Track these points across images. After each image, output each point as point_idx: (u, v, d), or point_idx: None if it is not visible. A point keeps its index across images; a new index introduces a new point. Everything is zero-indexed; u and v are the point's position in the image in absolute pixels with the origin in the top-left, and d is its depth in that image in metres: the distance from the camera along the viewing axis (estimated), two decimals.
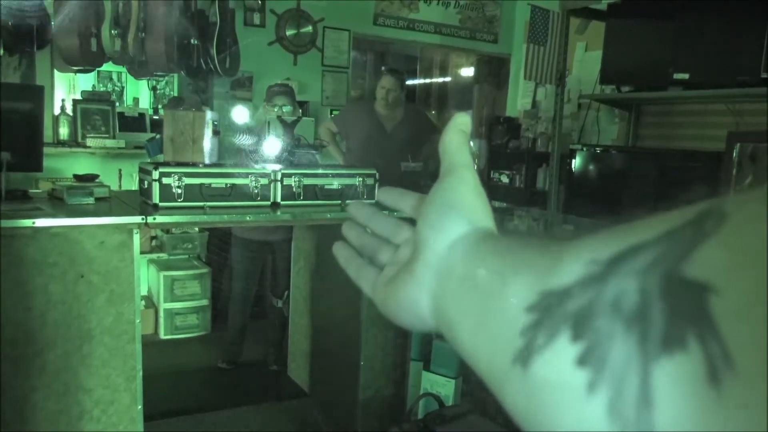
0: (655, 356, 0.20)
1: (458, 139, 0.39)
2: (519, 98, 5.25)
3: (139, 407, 2.19)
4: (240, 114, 2.96)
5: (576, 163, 3.90)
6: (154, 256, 4.04)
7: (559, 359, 0.23)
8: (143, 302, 3.64)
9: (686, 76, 3.30)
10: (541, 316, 0.25)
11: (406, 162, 3.54)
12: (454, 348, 0.32)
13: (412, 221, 0.42)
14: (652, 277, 0.21)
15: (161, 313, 3.84)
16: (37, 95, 2.49)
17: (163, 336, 3.83)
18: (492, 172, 5.00)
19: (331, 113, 4.68)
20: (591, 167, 3.91)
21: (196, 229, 4.11)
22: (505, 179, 4.87)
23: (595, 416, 0.22)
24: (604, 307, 0.23)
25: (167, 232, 3.98)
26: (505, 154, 4.95)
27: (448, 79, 5.79)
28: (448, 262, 0.34)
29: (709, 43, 3.22)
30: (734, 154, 2.04)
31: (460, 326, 0.31)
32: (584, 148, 3.95)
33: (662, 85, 3.46)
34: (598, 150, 3.93)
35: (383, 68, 4.05)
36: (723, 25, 3.16)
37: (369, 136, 3.55)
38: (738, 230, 0.20)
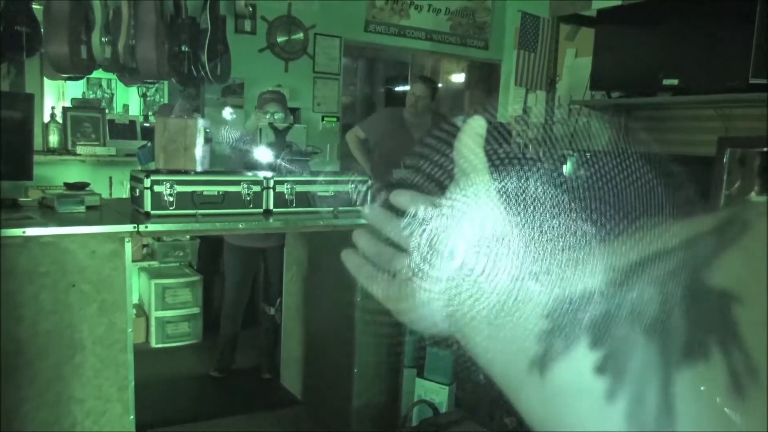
0: (676, 365, 0.20)
1: (473, 142, 0.38)
2: (510, 104, 5.28)
3: (132, 417, 2.17)
4: (229, 113, 2.94)
5: (566, 168, 3.91)
6: (145, 264, 4.02)
7: (577, 366, 0.23)
8: (134, 311, 3.61)
9: (675, 81, 3.32)
10: (559, 322, 0.25)
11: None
12: (469, 352, 0.32)
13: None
14: (673, 286, 0.21)
15: (152, 322, 3.82)
16: (27, 103, 2.48)
17: (154, 345, 3.81)
18: None
19: (322, 120, 4.68)
20: (581, 173, 3.92)
21: (188, 236, 4.09)
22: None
23: (614, 424, 0.22)
24: (624, 315, 0.22)
25: (158, 239, 3.95)
26: (496, 159, 4.96)
27: (439, 85, 5.80)
28: (463, 267, 0.33)
29: (697, 49, 3.25)
30: (725, 159, 2.06)
31: (474, 331, 0.31)
32: (575, 154, 3.96)
33: (652, 91, 3.49)
34: (589, 155, 3.95)
35: (416, 76, 4.03)
36: (711, 31, 3.19)
37: (396, 144, 3.53)
38: (760, 239, 0.20)
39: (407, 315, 0.38)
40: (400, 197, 0.45)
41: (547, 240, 0.31)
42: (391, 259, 0.44)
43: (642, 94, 3.61)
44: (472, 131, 0.38)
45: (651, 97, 3.53)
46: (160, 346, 3.80)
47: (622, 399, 0.21)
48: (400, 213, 0.45)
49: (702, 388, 0.19)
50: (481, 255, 0.33)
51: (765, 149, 2.16)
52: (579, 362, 0.23)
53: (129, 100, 5.37)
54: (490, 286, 0.31)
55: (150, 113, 4.97)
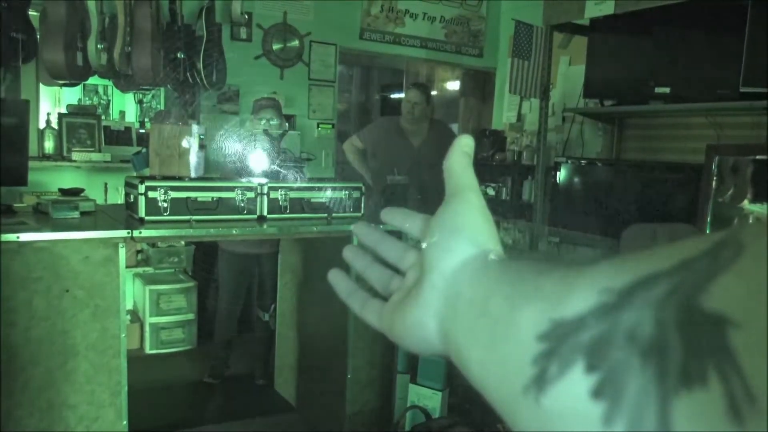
0: (674, 390, 0.20)
1: (462, 161, 0.38)
2: (504, 111, 5.30)
3: (125, 423, 2.17)
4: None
5: (561, 175, 3.94)
6: (140, 270, 4.01)
7: (574, 390, 0.23)
8: (128, 316, 3.61)
9: (667, 90, 3.35)
10: (554, 345, 0.25)
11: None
12: (463, 372, 0.31)
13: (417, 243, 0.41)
14: (669, 309, 0.21)
15: (147, 328, 3.81)
16: (23, 110, 2.49)
17: (148, 351, 3.80)
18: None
19: (318, 127, 4.70)
20: (575, 180, 3.95)
21: (182, 242, 4.09)
22: (491, 192, 4.90)
23: None
24: (620, 338, 0.22)
25: (153, 245, 3.95)
26: (491, 166, 4.98)
27: (434, 92, 5.83)
28: (456, 285, 0.33)
29: (689, 58, 3.28)
30: (713, 167, 2.08)
31: (468, 351, 0.31)
32: (569, 161, 3.99)
33: (644, 99, 3.51)
34: (582, 162, 3.98)
35: (410, 83, 4.05)
36: (703, 40, 3.22)
37: (395, 152, 3.54)
38: (756, 262, 0.20)
39: (401, 338, 0.38)
40: (391, 215, 0.45)
41: (539, 259, 0.31)
42: (384, 280, 0.44)
43: (634, 102, 3.64)
44: (461, 150, 0.39)
45: (643, 105, 3.55)
46: (154, 352, 3.80)
47: (619, 423, 0.21)
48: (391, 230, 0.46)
49: (700, 414, 0.19)
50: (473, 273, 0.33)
51: (754, 157, 2.18)
52: (575, 386, 0.23)
53: (125, 107, 5.38)
54: (481, 307, 0.31)
55: (147, 119, 4.98)
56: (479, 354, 0.30)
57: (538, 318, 0.26)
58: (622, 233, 1.56)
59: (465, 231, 0.35)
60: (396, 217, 0.44)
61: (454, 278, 0.34)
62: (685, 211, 2.92)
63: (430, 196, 2.71)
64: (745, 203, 2.19)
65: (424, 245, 0.37)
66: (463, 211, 0.36)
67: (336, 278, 0.47)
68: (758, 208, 2.14)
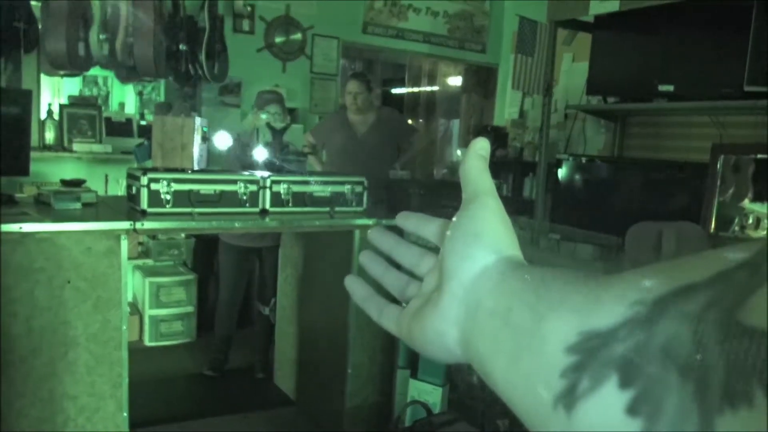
0: (717, 408, 0.19)
1: (478, 165, 0.37)
2: (506, 108, 5.29)
3: (125, 414, 2.17)
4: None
5: (562, 172, 3.94)
6: (140, 262, 4.01)
7: (608, 406, 0.22)
8: (128, 308, 3.60)
9: (671, 88, 3.34)
10: (584, 358, 0.24)
11: (394, 170, 3.55)
12: (487, 383, 0.30)
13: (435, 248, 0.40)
14: (707, 323, 0.20)
15: (146, 320, 3.81)
16: (25, 100, 2.47)
17: (147, 343, 3.80)
18: None
19: (319, 120, 4.69)
20: (577, 177, 3.95)
21: (183, 235, 4.08)
22: None
23: None
24: (655, 353, 0.21)
25: (153, 238, 3.95)
26: (493, 163, 4.92)
27: (436, 88, 5.82)
28: (476, 293, 0.32)
29: (693, 56, 3.27)
30: (718, 166, 2.07)
31: (491, 362, 0.30)
32: (570, 158, 3.99)
33: (647, 97, 3.51)
34: (584, 160, 3.97)
35: (348, 74, 4.08)
36: (707, 38, 3.21)
37: (342, 144, 3.60)
38: None
39: (420, 345, 0.37)
40: (406, 219, 0.44)
41: (561, 266, 0.30)
42: (401, 285, 0.43)
43: (637, 100, 3.63)
44: (476, 153, 0.38)
45: (646, 103, 3.55)
46: (153, 344, 3.80)
47: None
48: (406, 235, 0.45)
49: None
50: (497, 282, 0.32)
51: (759, 156, 2.18)
52: (609, 401, 0.22)
53: (125, 98, 5.35)
54: (504, 317, 0.30)
55: (146, 111, 4.97)
56: (503, 365, 0.29)
57: (565, 329, 0.25)
58: (627, 231, 1.55)
59: (484, 237, 0.34)
60: (411, 221, 0.43)
61: (474, 286, 0.33)
62: (687, 210, 2.92)
63: (373, 184, 2.74)
64: (747, 202, 2.19)
65: (441, 251, 0.36)
66: (482, 217, 0.35)
67: (352, 283, 0.46)
68: (760, 208, 2.14)
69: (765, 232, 2.10)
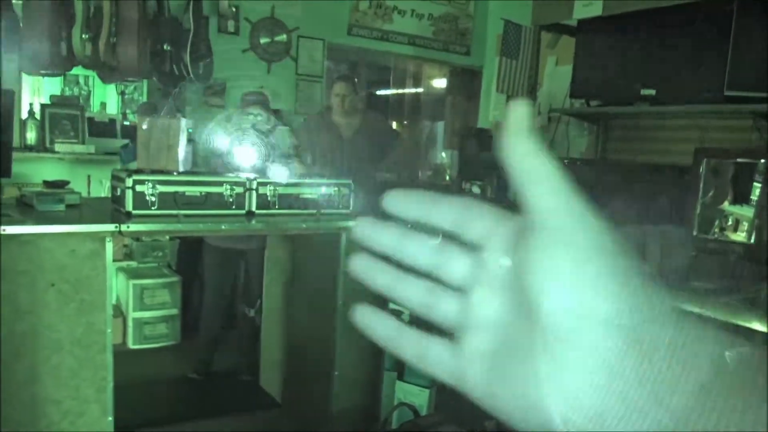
0: None
1: (524, 139, 0.26)
2: (491, 110, 5.32)
3: (110, 419, 2.15)
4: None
5: None
6: (124, 264, 3.97)
7: None
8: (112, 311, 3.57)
9: (653, 92, 3.39)
10: None
11: (380, 173, 3.56)
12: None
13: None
14: None
15: (130, 323, 3.78)
16: (7, 100, 2.44)
17: (131, 346, 3.76)
18: (464, 182, 5.05)
19: (304, 121, 4.68)
20: None
21: (167, 237, 4.05)
22: (476, 189, 4.92)
23: None
24: None
25: (137, 239, 3.91)
26: (477, 164, 5.00)
27: (421, 90, 5.84)
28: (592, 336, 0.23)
29: (674, 61, 3.32)
30: (701, 169, 2.11)
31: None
32: None
33: (630, 101, 3.55)
34: (566, 162, 4.01)
35: (334, 77, 4.05)
36: (689, 43, 3.26)
37: (327, 147, 3.57)
38: None
39: (505, 404, 0.26)
40: (405, 203, 0.31)
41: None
42: (428, 301, 0.30)
43: (620, 103, 3.67)
44: (519, 125, 0.25)
45: (629, 107, 3.59)
46: (137, 347, 3.76)
47: None
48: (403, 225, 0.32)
49: None
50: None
51: (740, 160, 2.22)
52: None
53: (107, 98, 5.31)
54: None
55: (128, 111, 4.92)
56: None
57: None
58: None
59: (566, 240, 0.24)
60: (412, 204, 0.31)
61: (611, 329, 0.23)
62: (668, 212, 2.96)
63: (360, 187, 2.73)
64: (727, 205, 2.23)
65: (503, 261, 0.27)
66: (556, 213, 0.25)
67: (368, 317, 0.32)
68: (740, 210, 2.18)
69: (744, 234, 2.14)
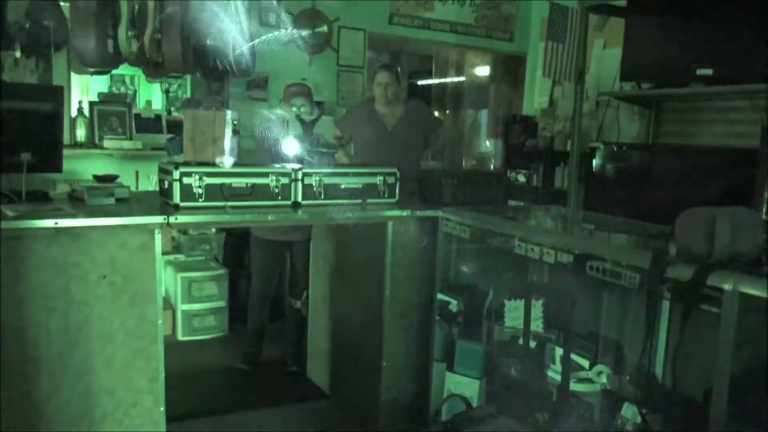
0: None
1: None
2: (536, 97, 5.20)
3: (162, 409, 2.17)
4: None
5: (596, 161, 3.86)
6: (172, 257, 4.03)
7: None
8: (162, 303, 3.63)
9: (710, 71, 3.24)
10: None
11: (425, 161, 3.50)
12: None
13: None
14: None
15: (179, 315, 3.84)
16: (57, 96, 2.47)
17: (180, 337, 3.82)
18: (509, 171, 4.95)
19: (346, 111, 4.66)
20: (611, 165, 3.86)
21: (213, 230, 4.10)
22: (522, 178, 4.82)
23: None
24: None
25: (184, 233, 3.96)
26: (522, 153, 4.90)
27: (463, 78, 5.74)
28: None
29: (732, 38, 3.16)
30: None
31: None
32: (604, 146, 3.90)
33: (684, 81, 3.40)
34: (621, 147, 3.88)
35: (377, 66, 3.99)
36: (746, 19, 3.10)
37: (371, 136, 3.52)
38: None
39: None
40: None
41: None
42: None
43: (674, 85, 3.53)
44: None
45: (684, 88, 3.44)
46: (186, 339, 3.82)
47: None
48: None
49: None
50: None
51: None
52: None
53: (151, 96, 5.40)
54: None
55: (173, 109, 4.99)
56: None
57: None
58: (677, 218, 1.49)
59: None
60: None
61: None
62: (730, 196, 2.82)
63: (404, 176, 2.68)
64: None
65: None
66: None
67: None
68: None
69: None
